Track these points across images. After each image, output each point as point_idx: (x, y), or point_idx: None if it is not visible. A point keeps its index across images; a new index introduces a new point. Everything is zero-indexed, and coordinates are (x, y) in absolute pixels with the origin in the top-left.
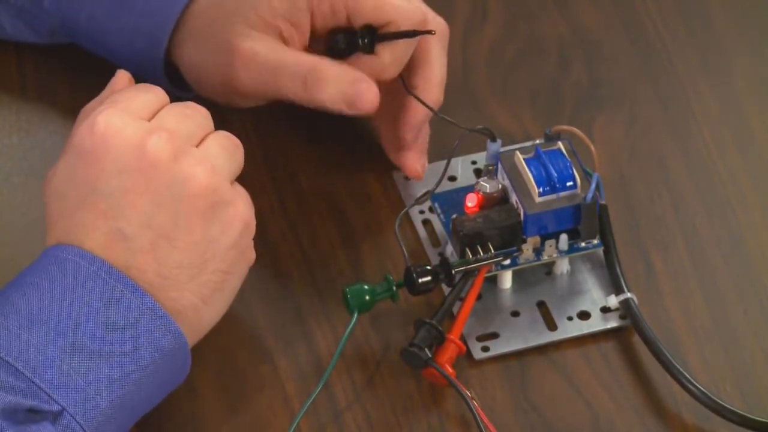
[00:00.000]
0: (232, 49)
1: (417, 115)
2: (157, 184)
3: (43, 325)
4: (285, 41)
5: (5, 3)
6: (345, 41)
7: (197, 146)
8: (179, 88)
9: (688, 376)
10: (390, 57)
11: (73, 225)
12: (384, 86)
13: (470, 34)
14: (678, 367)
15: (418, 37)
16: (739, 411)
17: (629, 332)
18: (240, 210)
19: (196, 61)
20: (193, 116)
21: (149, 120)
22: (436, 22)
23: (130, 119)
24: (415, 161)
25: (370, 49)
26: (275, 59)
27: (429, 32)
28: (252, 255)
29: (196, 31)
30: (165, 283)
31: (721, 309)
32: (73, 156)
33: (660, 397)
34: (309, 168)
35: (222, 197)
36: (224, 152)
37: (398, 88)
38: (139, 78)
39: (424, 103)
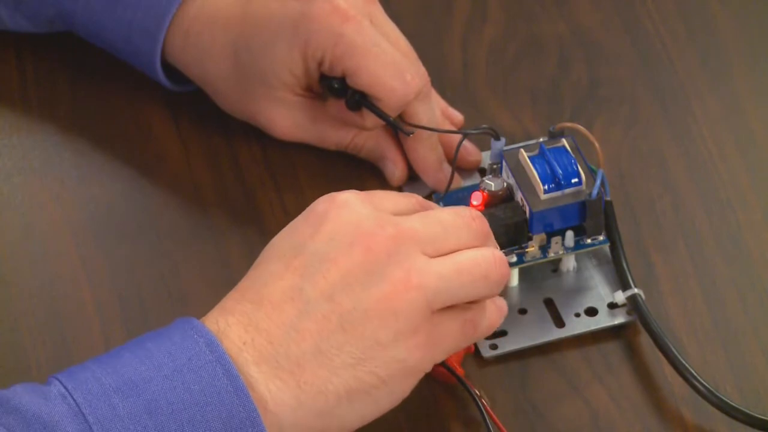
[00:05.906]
0: (272, 123)
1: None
2: (358, 267)
3: (137, 397)
4: (307, 89)
5: None
6: (340, 84)
7: (436, 255)
8: (178, 83)
9: (693, 372)
10: (372, 123)
11: (261, 270)
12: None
13: (470, 34)
14: (684, 363)
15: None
16: (744, 408)
17: (630, 332)
18: (427, 347)
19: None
20: (454, 226)
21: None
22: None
23: (371, 206)
24: (437, 180)
25: (356, 108)
26: (318, 134)
27: (406, 132)
28: (406, 391)
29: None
30: (319, 357)
31: (721, 309)
32: (302, 216)
33: (660, 396)
34: (309, 168)
35: (415, 320)
36: (456, 276)
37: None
38: (137, 72)
39: (423, 127)
